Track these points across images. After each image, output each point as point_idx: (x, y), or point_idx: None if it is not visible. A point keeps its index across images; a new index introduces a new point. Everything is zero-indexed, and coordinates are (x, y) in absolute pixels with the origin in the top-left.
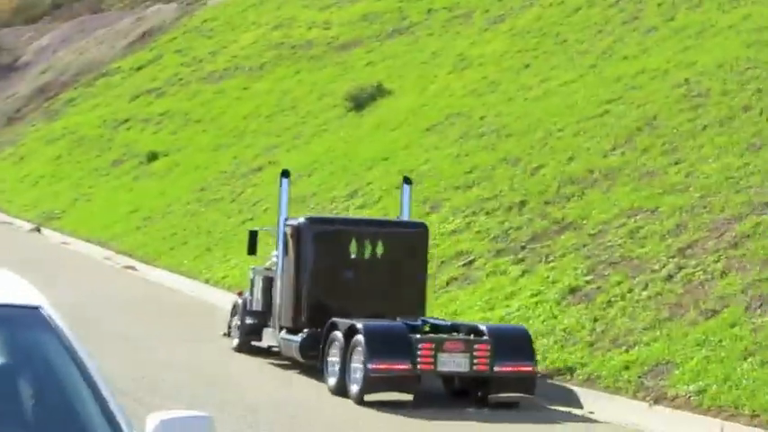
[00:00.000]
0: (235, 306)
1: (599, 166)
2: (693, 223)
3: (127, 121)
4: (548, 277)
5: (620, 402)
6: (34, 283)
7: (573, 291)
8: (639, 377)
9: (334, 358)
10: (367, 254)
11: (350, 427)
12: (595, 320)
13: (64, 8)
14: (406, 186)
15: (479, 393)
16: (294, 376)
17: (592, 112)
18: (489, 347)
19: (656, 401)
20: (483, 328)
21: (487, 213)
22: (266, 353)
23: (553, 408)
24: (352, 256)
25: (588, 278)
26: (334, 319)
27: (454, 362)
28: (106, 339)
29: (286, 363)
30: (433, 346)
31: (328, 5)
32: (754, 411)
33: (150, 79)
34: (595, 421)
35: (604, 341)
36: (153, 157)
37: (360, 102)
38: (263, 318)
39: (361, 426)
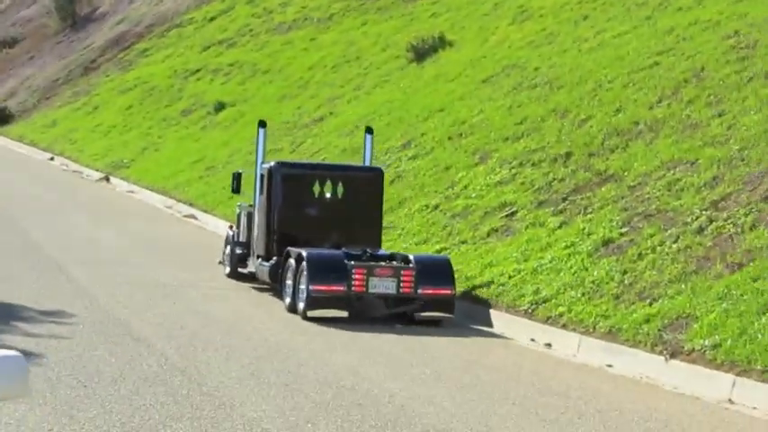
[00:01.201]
0: (227, 238)
1: (644, 118)
2: (729, 176)
3: (197, 71)
4: (584, 229)
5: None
6: (91, 229)
7: (606, 243)
8: (659, 330)
9: (288, 281)
10: (328, 193)
11: (291, 335)
12: (624, 273)
13: None
14: (367, 136)
15: (407, 313)
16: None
17: (642, 64)
18: (414, 273)
19: (672, 355)
20: (411, 257)
21: (533, 165)
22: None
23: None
24: (316, 196)
25: (623, 230)
26: (289, 248)
27: (383, 285)
28: (140, 283)
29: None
30: (365, 271)
31: None
32: (766, 367)
33: (221, 30)
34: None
35: (630, 294)
36: (220, 107)
37: (421, 53)
38: (247, 248)
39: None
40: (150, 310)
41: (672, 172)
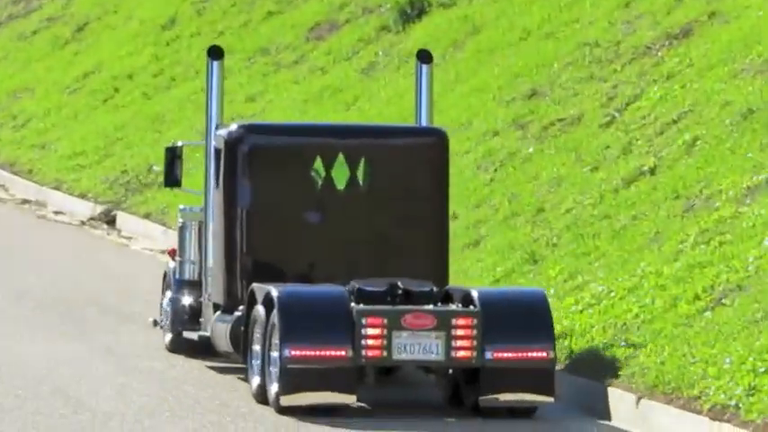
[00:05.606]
0: (165, 276)
1: None
2: None
3: None
4: None
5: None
6: (52, 348)
7: None
8: None
9: (255, 346)
10: (343, 183)
11: None
12: None
13: None
14: (423, 66)
15: (470, 394)
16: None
17: None
18: (477, 322)
19: None
20: (474, 294)
21: None
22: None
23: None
24: (319, 187)
25: None
26: (254, 285)
27: (420, 345)
28: None
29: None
30: (386, 321)
31: None
32: None
33: None
34: None
35: None
36: None
37: None
38: (200, 291)
39: None
40: None
41: None
